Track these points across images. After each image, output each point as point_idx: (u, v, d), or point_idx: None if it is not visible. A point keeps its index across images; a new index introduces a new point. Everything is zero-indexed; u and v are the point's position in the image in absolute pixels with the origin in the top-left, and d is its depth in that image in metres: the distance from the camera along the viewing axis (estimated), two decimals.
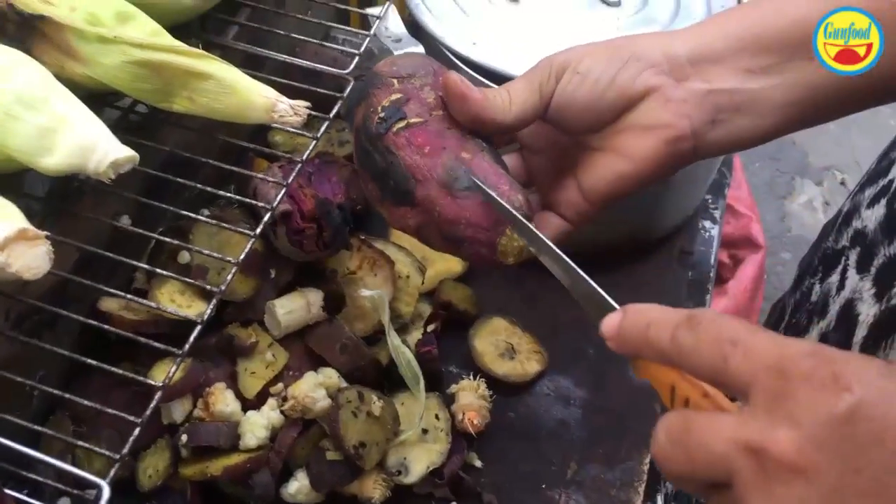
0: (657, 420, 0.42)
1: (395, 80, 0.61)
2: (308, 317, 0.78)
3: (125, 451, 0.56)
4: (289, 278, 0.81)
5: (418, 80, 0.61)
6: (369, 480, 0.75)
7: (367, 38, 0.80)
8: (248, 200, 0.72)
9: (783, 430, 0.38)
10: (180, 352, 0.60)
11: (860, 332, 0.70)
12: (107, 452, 0.57)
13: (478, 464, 0.80)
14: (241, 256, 0.65)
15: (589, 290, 0.51)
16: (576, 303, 0.52)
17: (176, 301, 0.74)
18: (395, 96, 0.60)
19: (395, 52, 0.80)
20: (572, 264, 0.53)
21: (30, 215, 0.57)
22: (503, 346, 0.86)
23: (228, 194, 0.75)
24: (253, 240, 0.66)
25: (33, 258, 0.54)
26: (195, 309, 0.73)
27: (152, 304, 0.69)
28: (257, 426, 0.73)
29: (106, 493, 0.53)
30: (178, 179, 0.69)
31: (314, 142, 0.72)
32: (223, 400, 0.74)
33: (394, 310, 0.83)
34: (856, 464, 0.36)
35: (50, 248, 0.55)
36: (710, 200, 1.04)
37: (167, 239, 0.70)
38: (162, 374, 0.69)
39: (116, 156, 0.58)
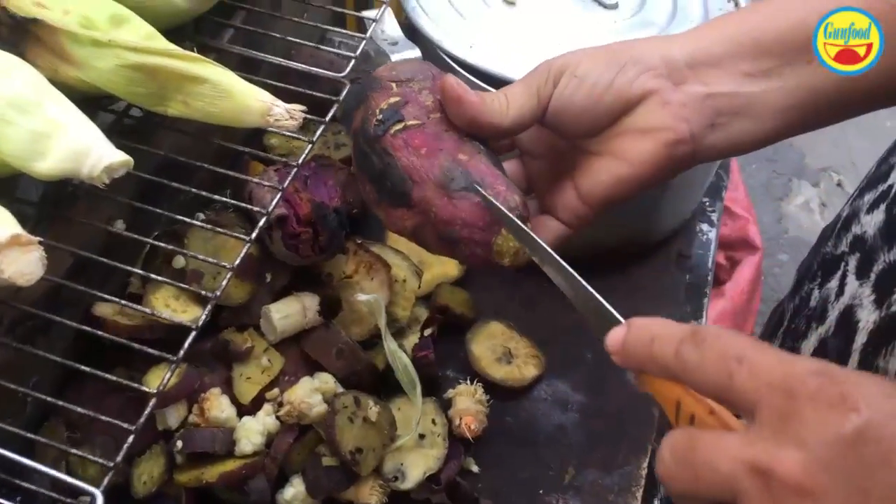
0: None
1: (393, 84, 0.61)
2: (304, 321, 0.78)
3: (119, 458, 0.56)
4: (284, 283, 0.80)
5: (417, 83, 0.61)
6: (366, 486, 0.74)
7: (364, 41, 0.79)
8: (243, 205, 0.72)
9: (790, 450, 0.37)
10: (175, 357, 0.60)
11: (860, 339, 0.70)
12: (100, 460, 0.57)
13: (475, 469, 0.80)
14: (237, 261, 0.64)
15: (588, 297, 0.50)
16: (573, 307, 0.52)
17: (171, 306, 0.73)
18: (393, 99, 0.61)
19: (392, 56, 0.79)
20: (568, 267, 0.52)
21: (23, 220, 0.57)
22: (500, 350, 0.86)
23: (224, 198, 0.75)
24: (248, 244, 0.66)
25: (26, 264, 0.54)
26: (190, 314, 0.72)
27: (147, 310, 0.69)
28: (253, 432, 0.73)
29: (99, 501, 0.53)
30: (173, 184, 0.69)
31: (310, 145, 0.71)
32: (218, 406, 0.74)
33: (390, 314, 0.83)
34: (863, 485, 0.36)
35: (43, 253, 0.55)
36: (707, 203, 1.04)
37: (162, 244, 0.70)
38: (157, 379, 0.69)
39: (110, 160, 0.58)
